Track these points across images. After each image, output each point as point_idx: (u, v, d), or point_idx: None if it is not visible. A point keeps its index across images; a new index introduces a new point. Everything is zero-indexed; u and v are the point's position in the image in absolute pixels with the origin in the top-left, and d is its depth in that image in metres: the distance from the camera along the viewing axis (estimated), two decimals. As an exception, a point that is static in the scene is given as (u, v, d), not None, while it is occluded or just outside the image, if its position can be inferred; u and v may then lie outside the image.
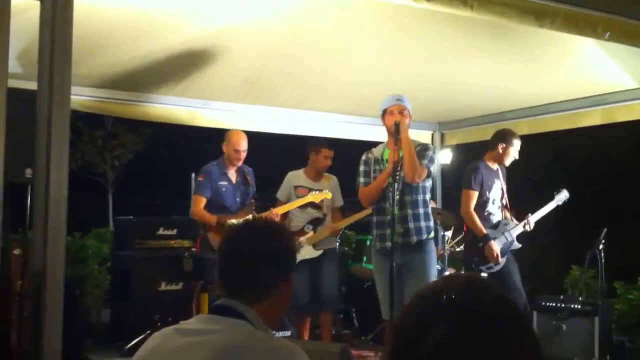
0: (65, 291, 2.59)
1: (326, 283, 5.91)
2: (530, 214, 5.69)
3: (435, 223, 5.35)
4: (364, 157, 5.00)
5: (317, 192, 5.89)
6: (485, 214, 5.62)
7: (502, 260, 5.49)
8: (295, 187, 6.00)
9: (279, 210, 5.77)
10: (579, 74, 5.31)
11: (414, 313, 1.12)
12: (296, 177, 6.08)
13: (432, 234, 4.95)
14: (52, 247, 2.51)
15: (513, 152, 5.63)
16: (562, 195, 5.76)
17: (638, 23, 3.48)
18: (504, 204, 5.73)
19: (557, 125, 6.32)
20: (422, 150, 4.87)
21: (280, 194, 6.05)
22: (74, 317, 5.75)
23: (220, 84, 5.69)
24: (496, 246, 5.47)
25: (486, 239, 5.49)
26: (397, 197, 4.81)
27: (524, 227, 5.64)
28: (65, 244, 2.59)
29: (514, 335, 1.07)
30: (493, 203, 5.64)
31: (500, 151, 5.64)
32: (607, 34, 3.44)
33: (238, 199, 5.73)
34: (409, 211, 4.81)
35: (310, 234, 5.92)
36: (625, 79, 5.29)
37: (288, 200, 5.95)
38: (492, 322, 1.06)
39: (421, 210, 4.85)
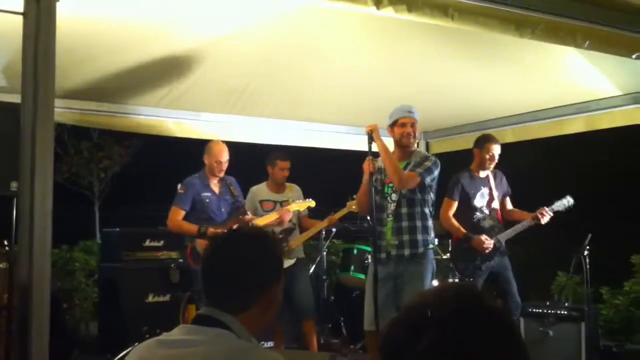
0: (53, 304, 2.59)
1: (302, 291, 5.97)
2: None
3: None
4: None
5: (299, 201, 6.02)
6: (475, 220, 5.69)
7: (489, 244, 5.56)
8: (261, 202, 6.06)
9: (260, 222, 5.79)
10: (563, 82, 5.36)
11: (403, 324, 1.13)
12: (259, 191, 6.14)
13: (431, 246, 4.93)
14: (37, 260, 2.51)
15: (488, 156, 5.69)
16: (565, 202, 5.73)
17: (616, 31, 3.53)
18: (495, 209, 5.77)
19: (541, 132, 6.38)
20: (422, 160, 4.89)
21: (246, 209, 6.08)
22: (61, 330, 5.73)
23: (207, 95, 5.69)
24: (484, 237, 5.56)
25: (468, 236, 5.61)
26: (393, 208, 4.84)
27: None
28: (52, 256, 2.58)
29: (501, 349, 1.08)
30: (481, 211, 5.70)
31: (477, 157, 5.73)
32: (587, 42, 3.48)
33: (223, 209, 5.74)
34: (405, 223, 4.81)
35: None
36: (607, 87, 5.35)
37: (254, 215, 5.96)
38: (480, 335, 1.07)
39: (418, 223, 4.82)
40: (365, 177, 4.82)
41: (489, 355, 1.06)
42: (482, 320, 1.10)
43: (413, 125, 4.88)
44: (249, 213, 5.89)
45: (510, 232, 5.71)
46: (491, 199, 5.74)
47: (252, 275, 1.87)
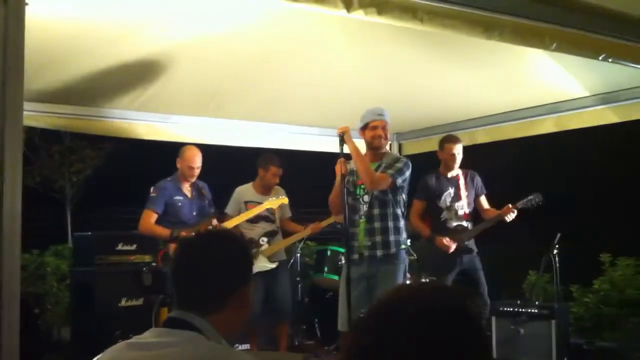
0: (23, 309, 2.57)
1: (282, 294, 6.00)
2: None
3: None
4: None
5: (272, 198, 5.97)
6: (442, 220, 5.78)
7: (450, 244, 5.64)
8: (246, 203, 6.06)
9: (230, 224, 5.79)
10: (533, 84, 5.44)
11: (368, 324, 1.14)
12: (245, 191, 6.15)
13: (403, 247, 4.97)
14: (7, 265, 2.49)
15: (449, 156, 5.79)
16: (531, 198, 5.72)
17: (583, 33, 3.59)
18: (463, 210, 5.83)
19: (512, 133, 6.46)
20: (394, 161, 4.93)
21: (230, 209, 6.09)
22: (32, 334, 5.67)
23: (178, 98, 5.68)
24: (446, 239, 5.64)
25: (431, 236, 5.72)
26: (365, 210, 4.87)
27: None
28: (23, 261, 2.57)
29: (466, 346, 1.09)
30: (448, 210, 5.76)
31: (440, 158, 5.87)
32: (554, 44, 3.54)
33: (195, 213, 5.74)
34: (377, 224, 4.85)
35: (266, 246, 5.97)
36: (576, 88, 5.44)
37: (238, 215, 5.97)
38: (448, 334, 1.08)
39: (391, 224, 4.87)
40: (338, 178, 4.85)
41: (456, 354, 1.08)
42: (450, 318, 1.11)
43: (384, 127, 4.92)
44: (227, 213, 5.92)
45: (474, 231, 5.79)
46: (458, 198, 5.80)
47: (221, 277, 1.87)
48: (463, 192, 5.83)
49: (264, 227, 6.08)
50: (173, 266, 1.94)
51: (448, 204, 5.80)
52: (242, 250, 1.97)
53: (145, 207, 5.63)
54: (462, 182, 5.85)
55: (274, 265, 5.97)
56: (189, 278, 1.89)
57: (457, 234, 5.73)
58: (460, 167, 5.92)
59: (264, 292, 5.90)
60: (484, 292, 5.74)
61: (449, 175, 5.86)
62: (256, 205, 6.02)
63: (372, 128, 4.92)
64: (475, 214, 5.99)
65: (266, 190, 6.15)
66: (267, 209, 6.05)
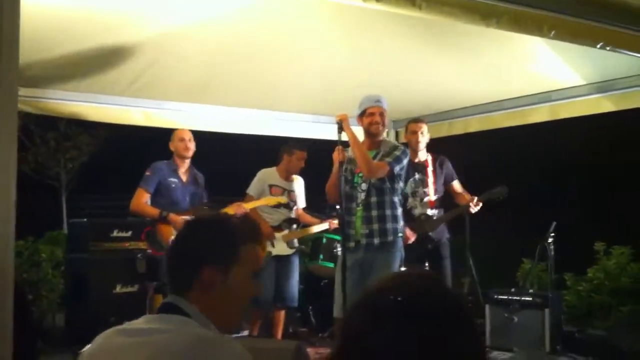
0: (17, 296, 2.56)
1: (292, 281, 6.06)
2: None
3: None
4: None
5: (288, 192, 6.11)
6: (407, 208, 5.64)
7: (412, 239, 5.53)
8: (270, 186, 6.07)
9: (249, 205, 5.80)
10: (527, 72, 5.42)
11: (362, 310, 1.15)
12: (270, 175, 6.15)
13: (400, 235, 4.98)
14: (1, 251, 2.48)
15: (410, 135, 5.75)
16: (496, 191, 5.62)
17: (582, 21, 3.57)
18: (429, 197, 5.70)
19: (505, 122, 6.44)
20: (391, 149, 4.94)
21: (253, 190, 6.08)
22: (25, 321, 5.65)
23: (173, 84, 5.65)
24: (407, 230, 5.44)
25: None
26: (363, 198, 4.87)
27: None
28: (18, 248, 2.56)
29: (456, 331, 1.10)
30: (413, 197, 5.69)
31: (405, 140, 5.80)
32: (553, 32, 3.52)
33: (187, 198, 5.73)
34: (374, 212, 4.86)
35: (286, 232, 6.02)
36: (571, 77, 5.42)
37: (259, 197, 5.99)
38: (439, 322, 1.10)
39: (388, 212, 4.88)
40: (335, 166, 4.85)
41: (447, 342, 1.08)
42: (441, 306, 1.12)
43: (381, 114, 4.92)
44: (249, 194, 5.91)
45: (438, 222, 5.66)
46: (425, 185, 5.69)
47: (191, 251, 1.83)
48: (430, 179, 5.71)
49: (285, 213, 6.12)
50: (167, 252, 1.97)
51: (413, 190, 5.70)
52: (224, 229, 1.88)
53: (139, 186, 5.63)
54: (430, 168, 5.73)
55: (291, 252, 6.07)
56: (170, 259, 1.89)
57: (420, 224, 5.64)
58: (431, 152, 5.84)
59: (275, 277, 5.94)
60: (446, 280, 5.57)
61: (416, 160, 5.73)
62: (280, 190, 6.05)
63: (369, 115, 4.92)
64: (449, 200, 5.89)
65: (288, 177, 6.16)
66: (289, 196, 6.12)
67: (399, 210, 4.99)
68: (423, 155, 5.77)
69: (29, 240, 7.82)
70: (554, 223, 5.86)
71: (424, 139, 5.73)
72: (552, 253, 5.82)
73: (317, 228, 6.34)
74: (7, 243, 2.49)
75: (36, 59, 4.65)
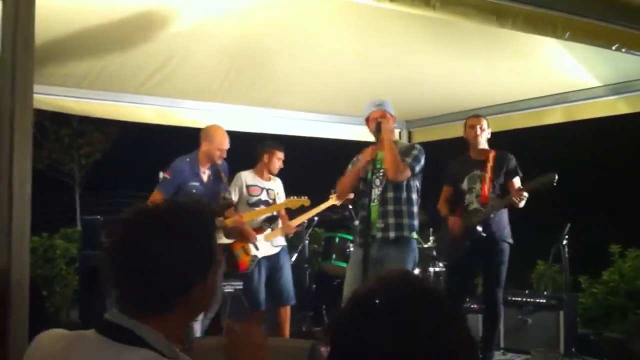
0: (32, 291, 2.58)
1: (285, 278, 6.09)
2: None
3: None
4: (354, 159, 5.10)
5: (293, 197, 6.11)
6: (466, 204, 5.48)
7: (457, 228, 5.38)
8: (248, 187, 6.05)
9: (245, 218, 5.79)
10: (543, 73, 5.39)
11: (351, 310, 1.17)
12: (247, 176, 6.14)
13: (415, 234, 4.94)
14: (16, 247, 2.50)
15: (468, 129, 5.55)
16: (542, 179, 5.24)
17: (597, 23, 3.56)
18: (483, 192, 5.46)
19: (521, 122, 6.42)
20: (408, 149, 4.96)
21: (231, 190, 6.05)
22: (41, 317, 5.69)
23: (188, 82, 5.66)
24: (453, 218, 5.41)
25: (445, 217, 5.53)
26: (378, 193, 4.87)
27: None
28: (32, 244, 2.58)
29: (444, 333, 1.11)
30: (470, 193, 5.49)
31: (465, 137, 5.65)
32: (567, 33, 3.50)
33: (207, 199, 5.63)
34: (390, 207, 4.86)
35: (268, 231, 6.02)
36: (586, 78, 5.39)
37: (237, 199, 5.96)
38: (423, 321, 1.11)
39: (404, 208, 4.86)
40: (363, 163, 4.88)
41: (432, 341, 1.10)
42: (424, 305, 1.14)
43: (383, 117, 4.92)
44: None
45: (483, 214, 5.33)
46: (482, 181, 5.44)
47: (179, 265, 1.44)
48: (487, 175, 5.45)
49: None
50: (108, 253, 1.50)
51: (469, 186, 5.50)
52: (200, 229, 1.50)
53: (156, 188, 5.29)
54: (490, 164, 5.47)
55: (277, 250, 6.05)
56: (129, 274, 1.46)
57: (468, 215, 5.41)
58: (494, 148, 5.61)
59: (266, 278, 5.97)
60: (493, 287, 5.34)
61: (475, 157, 5.56)
62: (258, 190, 6.04)
63: (372, 120, 4.95)
64: None
65: (268, 176, 6.16)
66: (268, 194, 6.08)
67: (416, 208, 4.95)
68: (483, 151, 5.55)
69: (44, 236, 7.89)
70: (569, 225, 5.82)
71: (484, 134, 5.53)
72: (567, 255, 5.78)
73: (297, 221, 6.32)
74: (23, 239, 2.51)
75: (51, 57, 4.68)
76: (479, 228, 5.30)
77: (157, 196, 5.26)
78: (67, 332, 1.51)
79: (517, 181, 5.42)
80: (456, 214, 5.47)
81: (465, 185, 5.51)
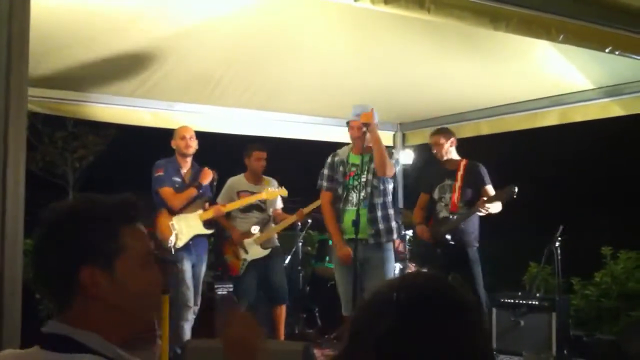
0: (25, 295, 2.57)
1: (277, 278, 6.11)
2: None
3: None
4: (329, 160, 5.17)
5: (270, 189, 6.03)
6: (437, 212, 5.72)
7: (422, 234, 5.67)
8: (238, 192, 6.06)
9: (227, 208, 5.82)
10: (537, 76, 5.41)
11: (369, 308, 1.17)
12: (237, 182, 6.15)
13: (396, 234, 5.20)
14: (9, 250, 2.49)
15: (434, 150, 5.75)
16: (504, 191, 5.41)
17: (590, 25, 3.57)
18: (452, 202, 5.65)
19: (515, 125, 6.44)
20: (389, 152, 5.09)
21: (222, 199, 6.08)
22: (33, 320, 5.66)
23: (182, 85, 5.67)
24: (422, 227, 5.70)
25: (414, 225, 5.80)
26: (361, 198, 4.94)
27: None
28: (25, 246, 2.56)
29: (461, 335, 1.11)
30: (440, 201, 5.69)
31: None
32: (561, 36, 3.52)
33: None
34: (379, 213, 5.02)
35: (258, 234, 6.01)
36: (581, 81, 5.41)
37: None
38: (440, 322, 1.11)
39: (390, 212, 5.10)
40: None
41: (450, 341, 1.10)
42: (444, 307, 1.13)
43: (359, 128, 5.02)
44: (218, 203, 5.92)
45: (451, 224, 5.53)
46: (452, 190, 5.62)
47: (61, 253, 1.37)
48: (458, 184, 5.63)
49: (257, 216, 6.10)
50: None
51: (439, 195, 5.70)
52: (91, 218, 1.41)
53: (161, 187, 5.56)
54: (460, 173, 5.66)
55: (266, 252, 6.04)
56: (39, 272, 1.42)
57: (437, 224, 5.64)
58: (465, 157, 5.80)
59: (258, 279, 5.99)
60: (473, 286, 5.46)
61: (447, 167, 5.73)
62: (249, 195, 6.03)
63: (351, 127, 5.08)
64: None
65: (257, 180, 6.15)
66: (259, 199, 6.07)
67: (393, 210, 5.19)
68: (454, 161, 5.72)
69: (37, 239, 7.85)
70: (561, 227, 5.84)
71: (445, 146, 5.69)
72: (559, 257, 5.80)
73: (284, 223, 6.29)
74: (16, 241, 2.50)
75: (45, 60, 4.67)
76: (448, 237, 5.53)
77: (167, 191, 5.56)
78: (17, 351, 1.42)
79: (489, 189, 5.63)
80: (429, 223, 5.72)
81: (436, 194, 5.72)
